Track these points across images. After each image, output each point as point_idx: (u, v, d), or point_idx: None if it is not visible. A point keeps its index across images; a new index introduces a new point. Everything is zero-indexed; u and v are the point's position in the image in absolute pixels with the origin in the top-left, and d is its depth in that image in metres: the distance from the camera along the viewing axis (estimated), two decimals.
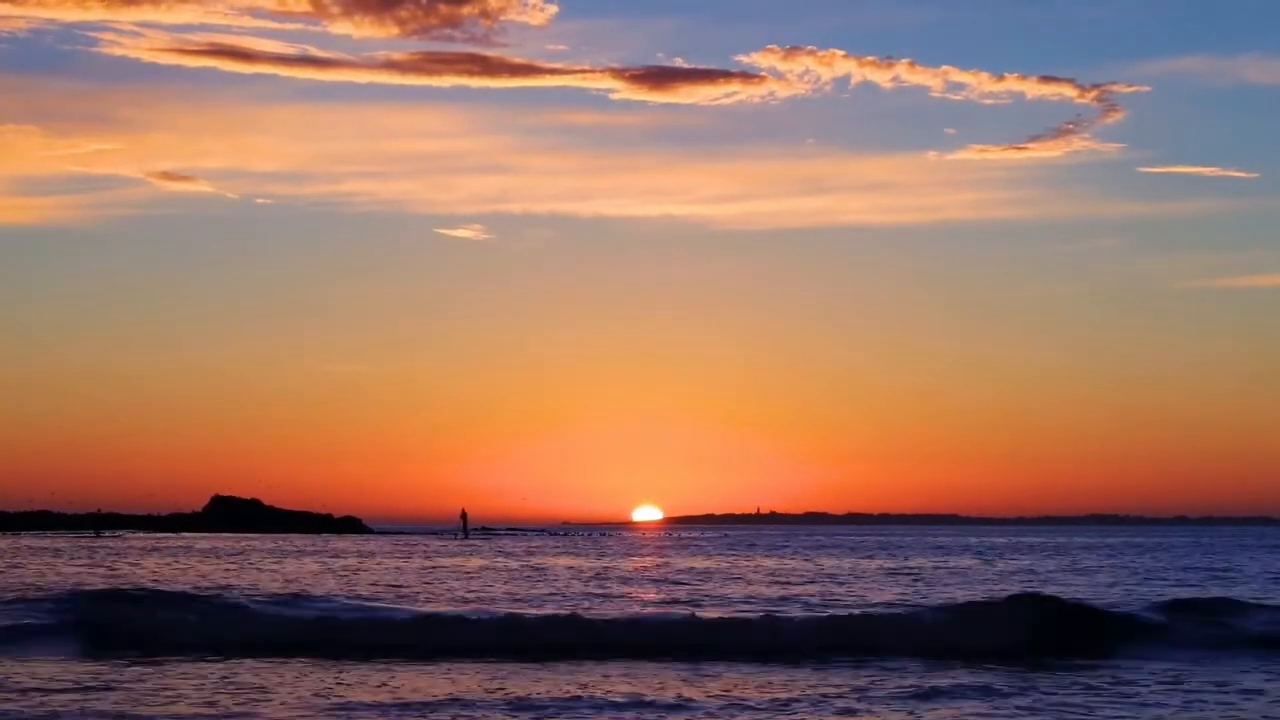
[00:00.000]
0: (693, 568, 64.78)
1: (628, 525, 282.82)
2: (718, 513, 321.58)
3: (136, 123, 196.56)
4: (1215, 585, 50.22)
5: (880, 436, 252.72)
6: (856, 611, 33.82)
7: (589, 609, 35.79)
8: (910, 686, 22.84)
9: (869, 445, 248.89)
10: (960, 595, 42.06)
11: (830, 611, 34.64)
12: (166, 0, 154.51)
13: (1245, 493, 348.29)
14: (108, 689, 22.31)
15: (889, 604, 38.90)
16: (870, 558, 79.77)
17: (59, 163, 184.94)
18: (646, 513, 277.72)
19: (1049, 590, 41.38)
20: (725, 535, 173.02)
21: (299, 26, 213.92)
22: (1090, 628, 29.78)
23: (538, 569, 62.85)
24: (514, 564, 68.78)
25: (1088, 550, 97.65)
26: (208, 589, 42.00)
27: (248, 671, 24.54)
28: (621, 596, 43.24)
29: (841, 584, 50.46)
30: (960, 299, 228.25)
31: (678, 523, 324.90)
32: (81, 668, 24.76)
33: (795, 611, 35.14)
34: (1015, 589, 44.77)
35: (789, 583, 50.90)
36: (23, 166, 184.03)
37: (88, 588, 40.97)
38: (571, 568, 64.76)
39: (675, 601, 40.66)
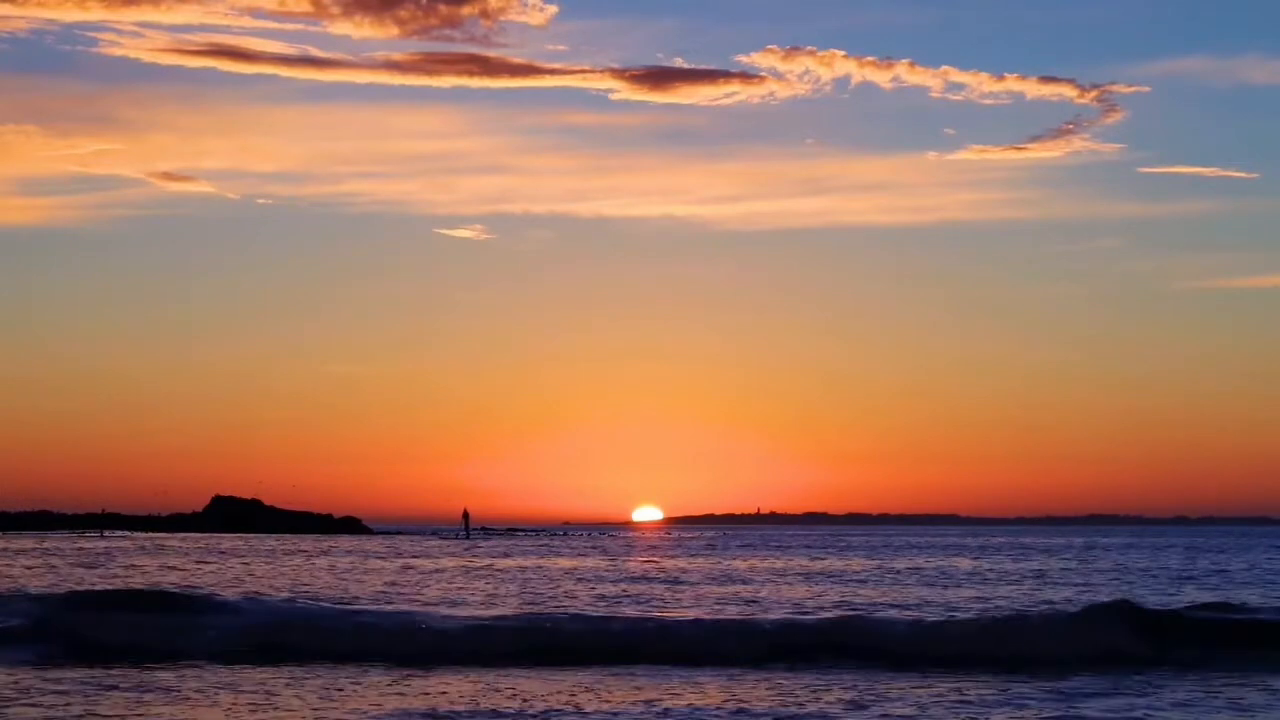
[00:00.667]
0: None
1: (628, 525, 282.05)
2: (718, 512, 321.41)
3: (137, 123, 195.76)
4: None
5: (880, 436, 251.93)
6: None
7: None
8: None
9: (869, 445, 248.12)
10: (963, 595, 40.96)
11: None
12: (166, 0, 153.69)
13: (1245, 493, 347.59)
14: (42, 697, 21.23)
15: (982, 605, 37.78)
16: (956, 557, 78.72)
17: (59, 163, 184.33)
18: (647, 513, 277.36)
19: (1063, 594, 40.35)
20: (724, 534, 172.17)
21: (299, 27, 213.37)
22: (1186, 634, 28.19)
23: (498, 570, 61.89)
24: (479, 565, 67.84)
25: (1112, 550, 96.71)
26: (179, 591, 40.79)
27: (212, 677, 23.48)
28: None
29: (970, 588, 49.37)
30: (960, 299, 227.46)
31: (678, 523, 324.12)
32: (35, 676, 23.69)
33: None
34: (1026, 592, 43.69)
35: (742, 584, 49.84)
36: (23, 167, 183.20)
37: (55, 591, 39.79)
38: (572, 570, 63.78)
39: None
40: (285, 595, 40.36)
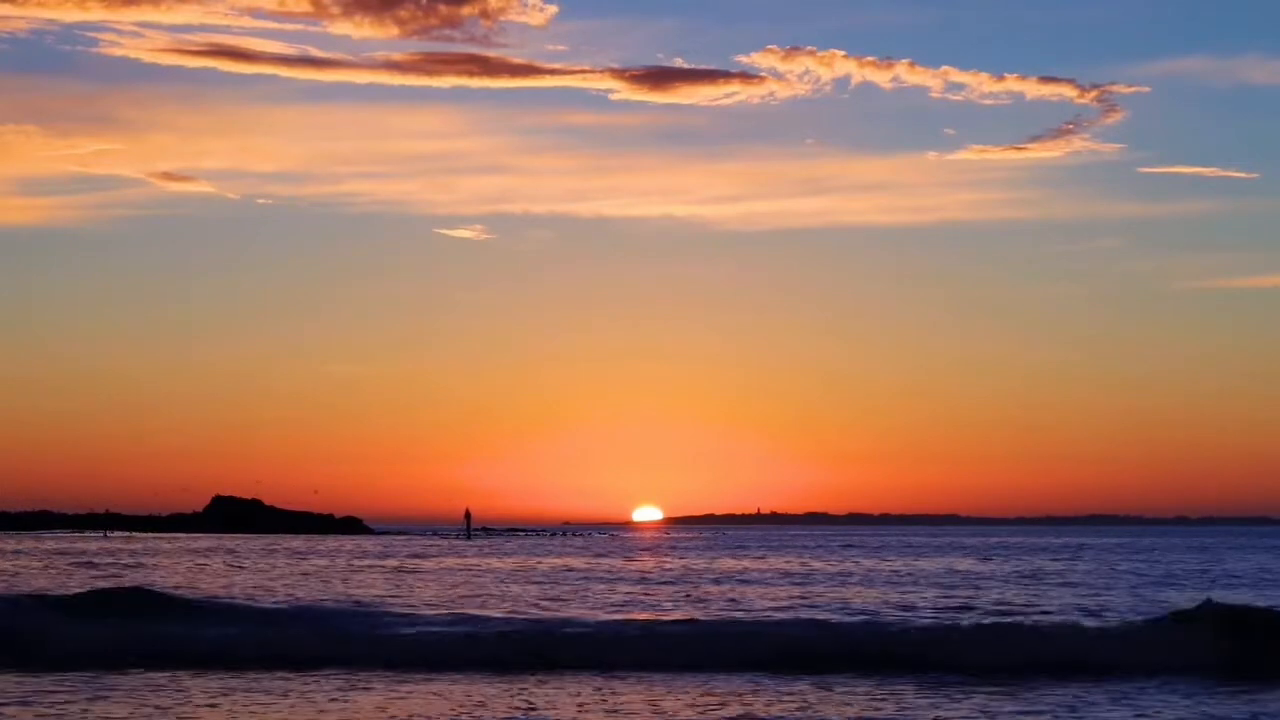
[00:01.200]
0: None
1: (628, 525, 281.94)
2: (718, 513, 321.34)
3: (137, 123, 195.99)
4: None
5: (880, 436, 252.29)
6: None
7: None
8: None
9: (869, 445, 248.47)
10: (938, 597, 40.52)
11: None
12: (166, 0, 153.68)
13: (1245, 493, 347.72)
14: None
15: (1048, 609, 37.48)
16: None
17: (59, 163, 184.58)
18: (646, 513, 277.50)
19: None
20: (723, 534, 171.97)
21: (299, 27, 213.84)
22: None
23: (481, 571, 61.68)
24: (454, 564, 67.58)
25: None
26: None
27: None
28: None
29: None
30: (960, 299, 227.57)
31: (678, 523, 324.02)
32: None
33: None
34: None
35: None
36: (23, 167, 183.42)
37: (53, 591, 39.45)
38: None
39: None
40: (284, 597, 40.11)
